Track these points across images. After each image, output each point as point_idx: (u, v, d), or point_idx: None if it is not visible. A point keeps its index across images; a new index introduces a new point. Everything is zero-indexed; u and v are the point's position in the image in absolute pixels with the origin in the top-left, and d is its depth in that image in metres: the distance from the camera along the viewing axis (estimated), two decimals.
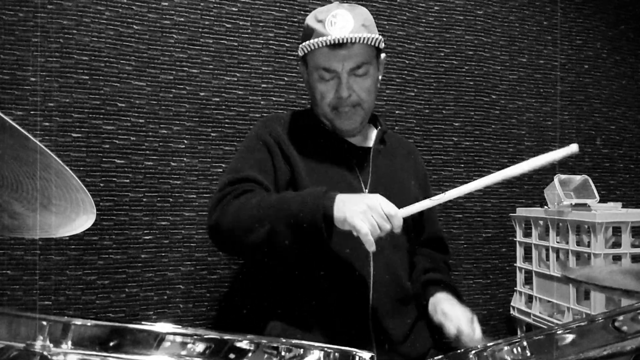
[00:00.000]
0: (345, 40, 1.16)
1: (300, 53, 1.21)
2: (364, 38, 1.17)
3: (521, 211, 1.94)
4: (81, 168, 1.57)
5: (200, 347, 0.64)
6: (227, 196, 1.12)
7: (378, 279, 1.18)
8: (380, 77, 1.32)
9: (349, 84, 1.22)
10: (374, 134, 1.37)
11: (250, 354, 0.66)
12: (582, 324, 0.73)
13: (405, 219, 1.26)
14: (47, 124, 1.55)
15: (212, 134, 1.71)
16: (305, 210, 1.03)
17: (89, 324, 0.64)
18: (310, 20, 1.25)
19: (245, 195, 1.12)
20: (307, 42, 1.18)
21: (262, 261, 1.21)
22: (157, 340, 0.64)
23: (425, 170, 1.48)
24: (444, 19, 2.02)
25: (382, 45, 1.23)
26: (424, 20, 1.99)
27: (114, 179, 1.60)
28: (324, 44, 1.17)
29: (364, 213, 0.99)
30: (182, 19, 1.69)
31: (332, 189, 1.09)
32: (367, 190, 1.24)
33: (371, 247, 0.98)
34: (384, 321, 1.17)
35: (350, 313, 1.15)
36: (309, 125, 1.31)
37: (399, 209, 1.06)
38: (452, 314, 1.15)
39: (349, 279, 1.17)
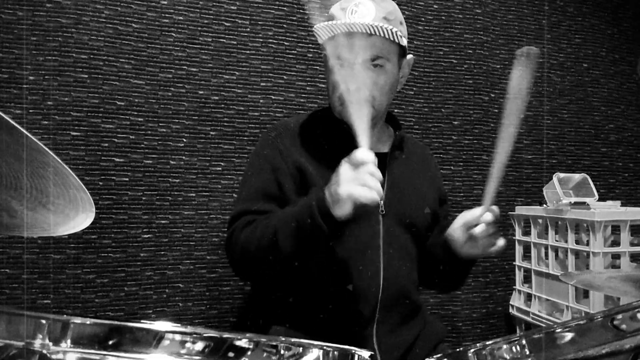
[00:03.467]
0: (357, 29, 1.11)
1: (320, 40, 1.17)
2: (378, 28, 1.10)
3: (520, 209, 1.94)
4: (80, 166, 1.56)
5: (199, 345, 0.64)
6: (234, 233, 1.14)
7: (387, 294, 1.16)
8: (402, 79, 1.26)
9: (361, 76, 1.15)
10: (390, 137, 1.32)
11: (249, 353, 0.65)
12: (581, 322, 0.73)
13: (419, 230, 1.25)
14: (45, 122, 1.54)
15: (211, 133, 1.71)
16: (304, 214, 1.02)
17: (88, 322, 0.64)
18: (334, 8, 1.21)
19: (249, 226, 1.13)
20: (320, 24, 1.13)
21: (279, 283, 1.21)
22: (156, 338, 0.64)
23: (440, 175, 1.45)
24: (443, 18, 2.02)
25: (404, 42, 1.16)
26: (422, 19, 1.99)
27: (113, 177, 1.60)
28: (338, 31, 1.12)
29: (356, 179, 0.97)
30: (181, 18, 1.68)
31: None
32: (382, 200, 1.20)
33: (376, 201, 0.97)
34: (388, 337, 1.15)
35: (355, 327, 1.14)
36: (323, 128, 1.27)
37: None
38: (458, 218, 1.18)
39: (358, 293, 1.15)
